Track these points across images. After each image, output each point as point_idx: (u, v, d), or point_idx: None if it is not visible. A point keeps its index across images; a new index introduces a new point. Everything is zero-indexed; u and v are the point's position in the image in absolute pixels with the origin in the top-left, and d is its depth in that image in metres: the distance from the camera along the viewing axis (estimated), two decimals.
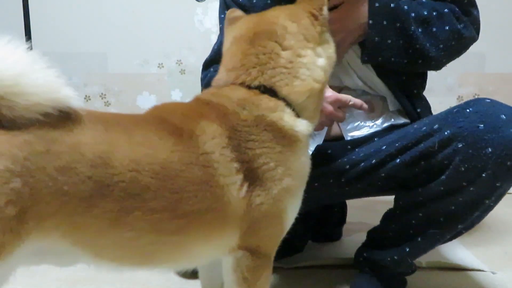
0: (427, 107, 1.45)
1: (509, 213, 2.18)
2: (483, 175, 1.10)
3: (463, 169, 1.12)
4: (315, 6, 1.06)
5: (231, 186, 0.91)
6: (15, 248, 0.76)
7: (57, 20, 2.63)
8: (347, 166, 1.31)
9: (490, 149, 1.07)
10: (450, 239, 1.33)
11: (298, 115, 1.03)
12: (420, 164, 1.21)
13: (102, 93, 2.72)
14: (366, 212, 2.05)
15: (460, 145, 1.11)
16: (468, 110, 1.13)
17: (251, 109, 0.98)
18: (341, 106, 1.26)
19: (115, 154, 0.82)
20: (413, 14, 1.29)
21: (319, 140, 1.41)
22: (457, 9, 1.33)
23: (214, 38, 2.65)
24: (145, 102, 2.74)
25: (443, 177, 1.17)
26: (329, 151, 1.36)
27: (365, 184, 1.32)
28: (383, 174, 1.28)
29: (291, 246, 1.63)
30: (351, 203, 1.84)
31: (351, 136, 1.41)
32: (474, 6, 1.38)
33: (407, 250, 1.30)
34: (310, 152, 1.34)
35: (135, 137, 0.86)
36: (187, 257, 0.97)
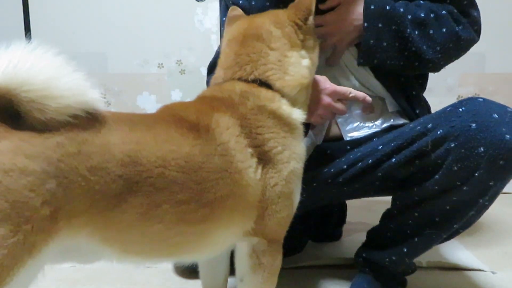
0: (426, 108, 1.45)
1: (509, 213, 2.18)
2: (476, 174, 1.10)
3: (456, 168, 1.12)
4: (300, 16, 1.14)
5: (248, 170, 0.98)
6: (45, 246, 0.78)
7: (57, 20, 2.63)
8: (345, 166, 1.32)
9: (482, 149, 1.07)
10: (448, 239, 1.33)
11: (292, 105, 1.11)
12: (415, 163, 1.21)
13: (102, 93, 2.72)
14: (366, 212, 2.05)
15: (452, 145, 1.11)
16: (460, 109, 1.13)
17: (254, 99, 1.06)
18: (340, 98, 1.25)
19: (142, 152, 0.86)
20: (409, 16, 1.29)
21: (318, 140, 1.41)
22: (455, 11, 1.33)
23: (214, 38, 2.66)
24: (145, 102, 2.74)
25: (436, 176, 1.17)
26: (328, 151, 1.36)
27: (363, 184, 1.32)
28: (380, 174, 1.28)
29: (291, 246, 1.62)
30: (351, 203, 1.85)
31: (351, 136, 1.41)
32: (474, 7, 1.37)
33: (405, 250, 1.31)
34: (309, 152, 1.35)
35: (159, 135, 0.91)
36: (211, 244, 1.01)
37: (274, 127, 1.05)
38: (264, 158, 1.01)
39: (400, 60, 1.32)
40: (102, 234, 0.86)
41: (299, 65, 1.12)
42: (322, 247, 1.78)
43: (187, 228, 0.93)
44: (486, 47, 2.64)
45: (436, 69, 1.39)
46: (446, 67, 1.42)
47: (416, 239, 1.28)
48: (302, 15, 1.14)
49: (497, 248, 1.81)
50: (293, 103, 1.11)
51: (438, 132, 1.14)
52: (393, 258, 1.33)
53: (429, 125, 1.18)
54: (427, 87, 1.50)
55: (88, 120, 0.84)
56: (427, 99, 1.48)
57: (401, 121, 1.41)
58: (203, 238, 0.97)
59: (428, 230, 1.26)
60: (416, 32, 1.29)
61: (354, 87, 1.39)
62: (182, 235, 0.94)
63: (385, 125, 1.40)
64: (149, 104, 2.74)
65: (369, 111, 1.40)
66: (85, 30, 2.65)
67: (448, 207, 1.20)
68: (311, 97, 1.20)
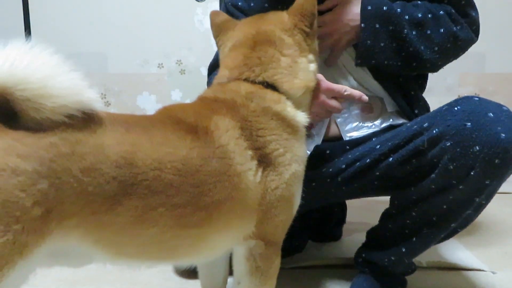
0: (425, 108, 1.45)
1: (509, 213, 2.18)
2: (472, 173, 1.10)
3: (451, 167, 1.12)
4: (306, 23, 1.15)
5: (248, 172, 0.97)
6: (36, 247, 0.78)
7: (57, 20, 2.63)
8: (344, 166, 1.32)
9: (477, 147, 1.07)
10: (446, 238, 1.33)
11: (296, 108, 1.12)
12: (412, 162, 1.22)
13: (102, 93, 2.72)
14: (366, 212, 2.05)
15: (448, 144, 1.11)
16: (456, 108, 1.13)
17: (258, 101, 1.05)
18: (335, 96, 1.25)
19: (138, 154, 0.85)
20: (407, 17, 1.29)
21: (318, 140, 1.41)
22: (453, 11, 1.33)
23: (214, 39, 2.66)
24: (145, 102, 2.74)
25: (433, 175, 1.17)
26: (328, 151, 1.36)
27: (362, 183, 1.32)
28: (378, 173, 1.28)
29: (291, 246, 1.63)
30: (351, 203, 1.84)
31: (350, 136, 1.41)
32: (473, 7, 1.37)
33: (404, 250, 1.31)
34: (309, 152, 1.35)
35: (156, 137, 0.90)
36: (208, 249, 1.00)
37: (277, 129, 1.04)
38: (265, 161, 1.00)
39: (397, 61, 1.32)
40: (95, 236, 0.85)
41: (307, 70, 1.14)
42: (322, 247, 1.78)
43: (183, 231, 0.92)
44: (486, 47, 2.64)
45: (435, 69, 1.39)
46: (446, 67, 1.42)
47: (414, 239, 1.28)
48: (308, 21, 1.15)
49: (497, 248, 1.81)
50: (298, 105, 1.11)
51: (434, 131, 1.14)
52: (392, 258, 1.33)
53: (425, 124, 1.18)
54: (426, 87, 1.50)
55: (84, 120, 0.82)
56: (426, 99, 1.48)
57: (400, 121, 1.41)
58: (200, 242, 0.96)
59: (426, 230, 1.26)
60: (414, 33, 1.29)
61: (353, 87, 1.38)
62: (177, 239, 0.92)
63: (384, 125, 1.40)
64: (149, 104, 2.74)
65: (368, 111, 1.40)
66: (85, 30, 2.65)
67: (445, 206, 1.20)
68: None
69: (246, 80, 1.09)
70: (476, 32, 1.37)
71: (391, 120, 1.41)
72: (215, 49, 1.33)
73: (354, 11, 1.30)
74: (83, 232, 0.83)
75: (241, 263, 1.06)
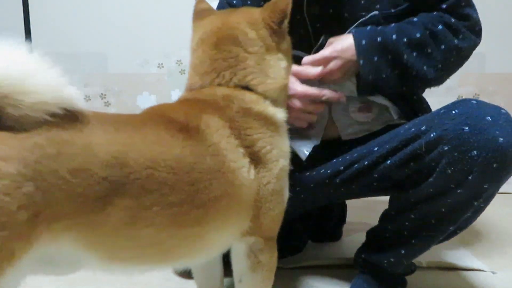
0: (427, 110, 1.43)
1: (509, 213, 2.18)
2: (470, 177, 1.10)
3: (449, 171, 1.12)
4: (274, 20, 1.10)
5: (242, 169, 0.98)
6: (25, 254, 0.75)
7: (57, 20, 2.63)
8: (342, 167, 1.31)
9: (475, 152, 1.07)
10: (445, 239, 1.34)
11: (274, 105, 1.12)
12: (410, 165, 1.21)
13: (102, 93, 2.72)
14: (366, 212, 2.05)
15: (446, 148, 1.11)
16: (453, 112, 1.12)
17: (239, 102, 1.05)
18: (314, 100, 1.24)
19: (129, 154, 0.84)
20: (405, 39, 1.24)
21: (316, 141, 1.40)
22: (452, 20, 1.27)
23: None
24: (145, 102, 2.73)
25: (431, 179, 1.17)
26: (326, 152, 1.36)
27: (360, 184, 1.32)
28: (376, 175, 1.28)
29: (291, 246, 1.63)
30: (351, 203, 1.84)
31: (348, 137, 1.41)
32: (471, 6, 1.32)
33: (403, 252, 1.31)
34: (308, 153, 1.35)
35: (148, 136, 0.89)
36: (206, 248, 1.00)
37: (261, 127, 1.05)
38: (255, 158, 1.01)
39: (402, 85, 1.29)
40: (86, 239, 0.82)
41: (278, 67, 1.11)
42: (322, 247, 1.78)
43: (180, 231, 0.91)
44: (486, 47, 2.61)
45: (440, 84, 1.36)
46: None
47: (413, 241, 1.28)
48: (277, 18, 1.09)
49: (497, 248, 1.81)
50: (275, 103, 1.11)
51: (432, 135, 1.14)
52: (392, 260, 1.33)
53: (423, 128, 1.17)
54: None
55: (69, 120, 0.80)
56: (427, 99, 1.48)
57: (398, 120, 1.40)
58: (197, 241, 0.95)
59: (425, 232, 1.26)
60: (414, 54, 1.25)
61: (353, 93, 1.35)
62: (174, 239, 0.91)
63: (383, 125, 1.40)
64: (149, 104, 2.70)
65: (366, 112, 1.40)
66: (85, 30, 2.64)
67: (443, 210, 1.20)
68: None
69: (219, 85, 1.08)
70: (479, 33, 1.33)
71: (389, 120, 1.40)
72: None
73: (349, 44, 1.25)
74: (74, 235, 0.81)
75: (242, 260, 1.06)
